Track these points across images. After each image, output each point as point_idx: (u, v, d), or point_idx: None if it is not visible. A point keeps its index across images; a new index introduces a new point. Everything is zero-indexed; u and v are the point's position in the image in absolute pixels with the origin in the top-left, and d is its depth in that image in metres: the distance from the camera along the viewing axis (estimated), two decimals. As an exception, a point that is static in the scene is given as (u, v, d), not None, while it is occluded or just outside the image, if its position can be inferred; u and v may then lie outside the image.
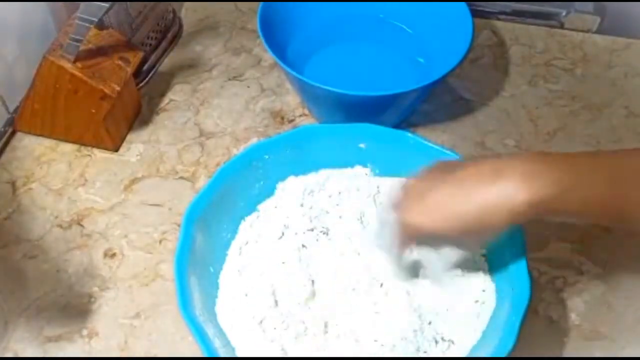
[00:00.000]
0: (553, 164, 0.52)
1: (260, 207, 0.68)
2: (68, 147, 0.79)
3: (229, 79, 0.85)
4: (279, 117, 0.82)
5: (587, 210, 0.53)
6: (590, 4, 0.87)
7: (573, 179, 0.51)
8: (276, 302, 0.62)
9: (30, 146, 0.79)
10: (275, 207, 0.68)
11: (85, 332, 0.65)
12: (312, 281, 0.63)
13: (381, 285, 0.63)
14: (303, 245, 0.65)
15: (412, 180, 0.58)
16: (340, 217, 0.68)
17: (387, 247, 0.60)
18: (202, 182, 0.75)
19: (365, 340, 0.60)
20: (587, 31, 0.89)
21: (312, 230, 0.66)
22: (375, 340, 0.59)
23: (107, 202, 0.74)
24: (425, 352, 0.59)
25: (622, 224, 0.65)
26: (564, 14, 0.89)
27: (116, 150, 0.78)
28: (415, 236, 0.58)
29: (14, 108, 0.79)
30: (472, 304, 0.62)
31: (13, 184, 0.76)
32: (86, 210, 0.74)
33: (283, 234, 0.66)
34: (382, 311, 0.61)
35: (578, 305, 0.67)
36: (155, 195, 0.75)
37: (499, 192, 0.51)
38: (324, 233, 0.66)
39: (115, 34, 0.76)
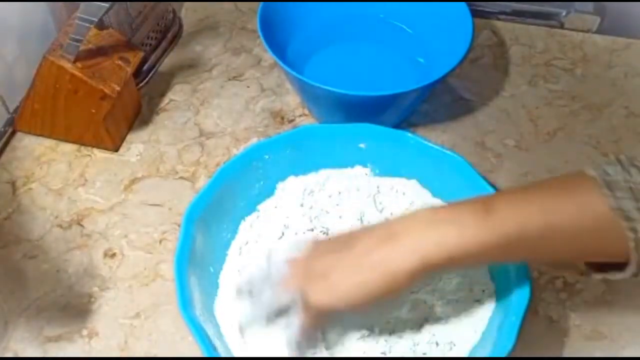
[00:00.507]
0: (441, 222, 0.52)
1: (260, 207, 0.68)
2: (68, 147, 0.79)
3: (229, 79, 0.85)
4: (279, 117, 0.82)
5: (486, 257, 0.54)
6: (590, 4, 0.87)
7: (458, 234, 0.51)
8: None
9: (30, 146, 0.79)
10: (275, 207, 0.68)
11: (85, 332, 0.65)
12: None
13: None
14: (303, 245, 0.65)
15: (304, 259, 0.57)
16: (340, 217, 0.68)
17: (290, 336, 0.57)
18: (202, 182, 0.75)
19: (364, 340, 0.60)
20: (587, 31, 0.89)
21: (312, 230, 0.66)
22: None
23: (107, 202, 0.74)
24: (424, 353, 0.60)
25: (538, 264, 0.67)
26: (564, 14, 0.89)
27: (116, 150, 0.78)
28: (323, 318, 0.57)
29: (14, 108, 0.79)
30: (472, 304, 0.62)
31: (13, 184, 0.76)
32: (86, 210, 0.74)
33: (283, 234, 0.66)
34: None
35: (578, 305, 0.67)
36: (155, 195, 0.75)
37: (396, 256, 0.52)
38: (324, 233, 0.66)
39: (115, 34, 0.76)
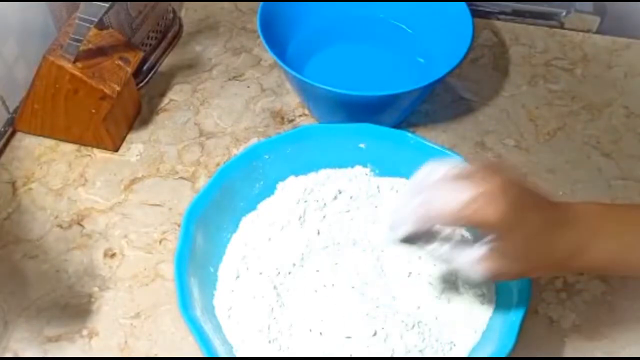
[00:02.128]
0: (616, 222, 0.51)
1: (260, 206, 0.68)
2: (68, 147, 0.79)
3: (229, 79, 0.85)
4: (279, 117, 0.82)
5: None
6: (590, 4, 0.87)
7: (632, 241, 0.51)
8: (276, 301, 0.62)
9: (30, 146, 0.79)
10: (276, 207, 0.68)
11: (85, 332, 0.65)
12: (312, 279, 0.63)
13: (384, 286, 0.63)
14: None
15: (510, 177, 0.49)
16: (340, 217, 0.67)
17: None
18: (202, 182, 0.75)
19: (364, 341, 0.60)
20: (587, 31, 0.89)
21: (312, 230, 0.66)
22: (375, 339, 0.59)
23: (107, 202, 0.74)
24: (423, 352, 0.60)
25: None
26: (564, 14, 0.89)
27: (116, 150, 0.78)
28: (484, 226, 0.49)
29: (14, 108, 0.79)
30: (472, 304, 0.62)
31: (13, 184, 0.76)
32: (86, 210, 0.74)
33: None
34: (382, 313, 0.61)
35: (578, 305, 0.67)
36: (155, 195, 0.75)
37: (571, 243, 0.50)
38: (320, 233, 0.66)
39: (115, 34, 0.76)
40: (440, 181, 0.50)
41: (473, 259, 0.51)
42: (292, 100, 0.83)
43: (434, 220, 0.50)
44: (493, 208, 0.47)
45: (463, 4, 0.77)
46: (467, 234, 0.56)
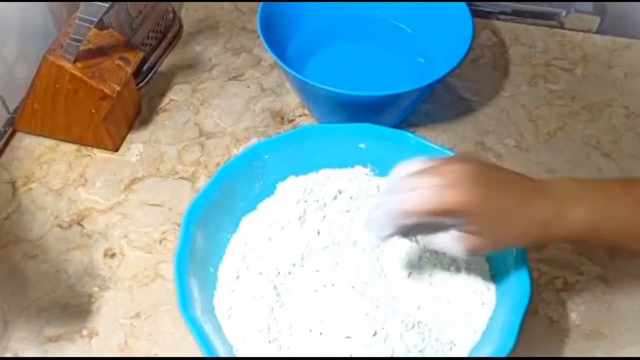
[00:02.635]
0: (590, 192, 0.53)
1: (260, 206, 0.68)
2: (68, 147, 0.79)
3: (229, 79, 0.85)
4: (279, 117, 0.82)
5: (616, 239, 0.56)
6: (590, 4, 0.87)
7: (605, 210, 0.53)
8: (276, 301, 0.62)
9: (30, 146, 0.79)
10: (276, 207, 0.68)
11: (85, 332, 0.65)
12: (313, 279, 0.63)
13: (384, 286, 0.63)
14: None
15: (471, 164, 0.53)
16: (340, 216, 0.67)
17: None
18: (202, 182, 0.75)
19: (364, 341, 0.60)
20: (587, 31, 0.89)
21: (313, 230, 0.66)
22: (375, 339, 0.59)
23: (107, 202, 0.74)
24: (423, 352, 0.60)
25: None
26: (564, 14, 0.89)
27: (116, 150, 0.78)
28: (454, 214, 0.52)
29: (14, 108, 0.79)
30: (472, 304, 0.62)
31: (13, 184, 0.76)
32: (86, 210, 0.74)
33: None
34: (382, 313, 0.61)
35: (578, 305, 0.67)
36: (155, 195, 0.75)
37: (545, 212, 0.52)
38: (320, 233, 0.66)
39: (115, 34, 0.76)
40: (410, 178, 0.53)
41: (448, 239, 0.54)
42: (292, 100, 0.83)
43: (408, 218, 0.53)
44: (457, 195, 0.51)
45: (463, 4, 0.77)
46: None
